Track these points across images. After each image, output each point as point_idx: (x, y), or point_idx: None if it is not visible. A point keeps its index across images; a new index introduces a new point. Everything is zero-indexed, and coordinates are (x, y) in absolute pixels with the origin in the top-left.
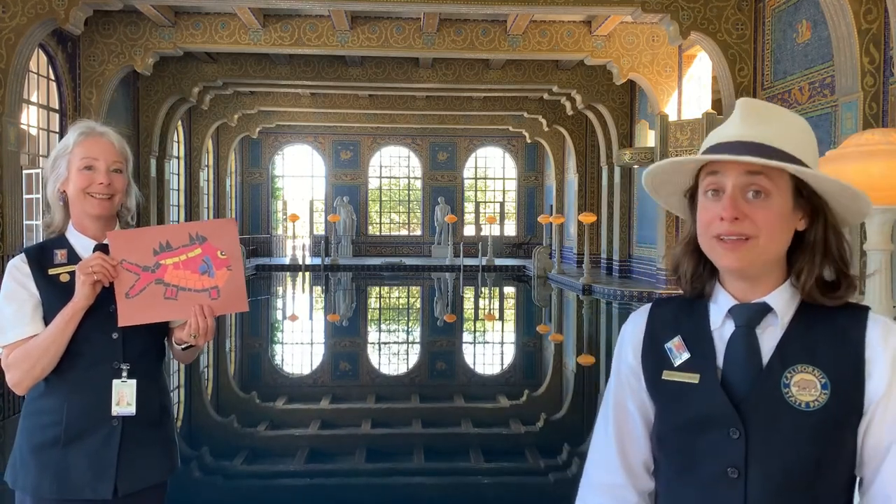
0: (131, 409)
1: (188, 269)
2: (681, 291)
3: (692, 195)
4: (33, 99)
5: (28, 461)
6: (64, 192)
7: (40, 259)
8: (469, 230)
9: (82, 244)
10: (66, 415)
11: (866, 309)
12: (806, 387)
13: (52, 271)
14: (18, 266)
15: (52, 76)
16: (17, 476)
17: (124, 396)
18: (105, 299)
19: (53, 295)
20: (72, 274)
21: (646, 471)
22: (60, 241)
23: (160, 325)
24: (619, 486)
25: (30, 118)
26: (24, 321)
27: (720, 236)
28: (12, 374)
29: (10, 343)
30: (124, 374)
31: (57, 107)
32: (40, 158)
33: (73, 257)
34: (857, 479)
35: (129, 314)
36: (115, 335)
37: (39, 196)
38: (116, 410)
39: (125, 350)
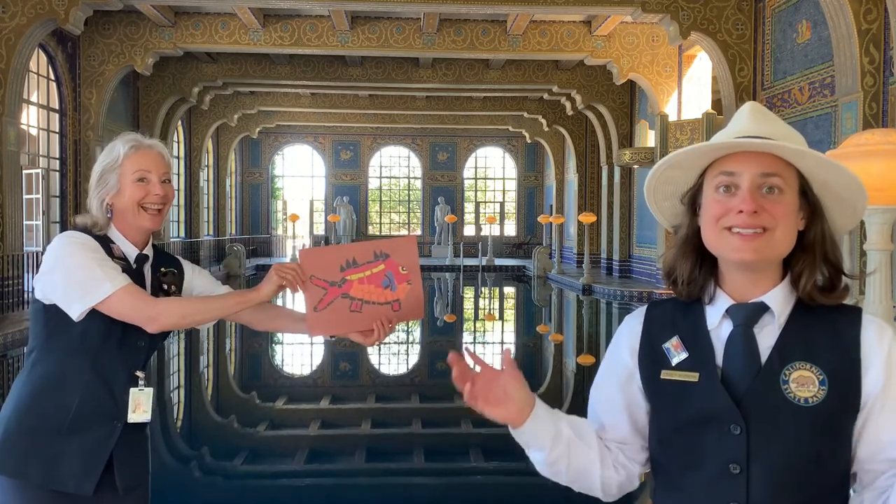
0: (147, 416)
1: (372, 284)
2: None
3: (692, 198)
4: (33, 99)
5: (13, 444)
6: (110, 204)
7: (100, 243)
8: (469, 230)
9: (125, 248)
10: (76, 406)
11: (859, 310)
12: (804, 383)
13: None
14: (83, 237)
15: (52, 76)
16: None
17: (140, 404)
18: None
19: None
20: (124, 269)
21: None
22: (108, 238)
23: (163, 334)
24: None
25: (30, 118)
26: (119, 270)
27: (733, 228)
28: (157, 311)
29: (123, 285)
30: (141, 382)
31: (57, 107)
32: (40, 158)
33: (123, 255)
34: (853, 473)
35: (319, 326)
36: (141, 343)
37: (40, 196)
38: (133, 418)
39: (144, 358)
